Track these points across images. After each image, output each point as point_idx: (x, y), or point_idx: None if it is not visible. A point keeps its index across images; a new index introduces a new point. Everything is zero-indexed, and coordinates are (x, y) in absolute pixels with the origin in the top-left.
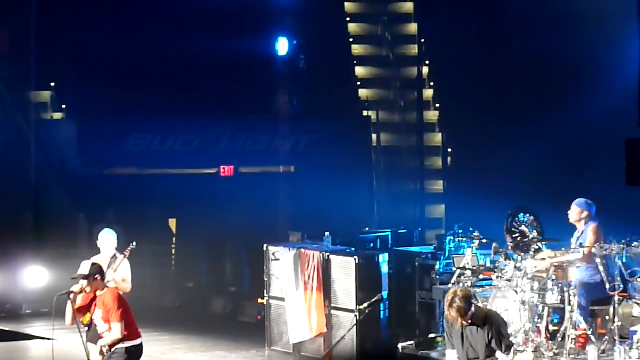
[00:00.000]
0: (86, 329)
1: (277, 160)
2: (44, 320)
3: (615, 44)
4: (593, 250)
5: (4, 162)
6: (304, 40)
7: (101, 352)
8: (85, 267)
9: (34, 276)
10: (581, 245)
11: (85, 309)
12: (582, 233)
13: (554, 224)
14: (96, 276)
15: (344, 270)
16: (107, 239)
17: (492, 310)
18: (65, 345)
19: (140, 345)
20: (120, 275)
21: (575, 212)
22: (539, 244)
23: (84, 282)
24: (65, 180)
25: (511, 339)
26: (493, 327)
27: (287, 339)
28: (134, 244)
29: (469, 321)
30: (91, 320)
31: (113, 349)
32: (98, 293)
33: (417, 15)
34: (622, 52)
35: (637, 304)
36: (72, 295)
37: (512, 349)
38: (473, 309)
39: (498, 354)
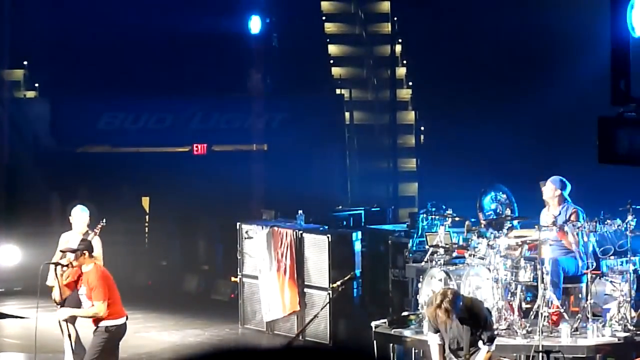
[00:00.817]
0: (58, 306)
1: (250, 139)
2: (17, 298)
3: (588, 21)
4: (565, 228)
5: None
6: (277, 19)
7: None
8: (65, 240)
9: (7, 254)
10: (554, 224)
11: (74, 284)
12: (559, 214)
13: (526, 202)
14: (84, 251)
15: (317, 248)
16: (79, 215)
17: (476, 300)
18: (39, 323)
19: (123, 325)
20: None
21: (550, 188)
22: (511, 221)
23: (71, 256)
24: (39, 158)
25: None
26: (478, 318)
27: (261, 317)
28: (104, 221)
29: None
30: (64, 298)
31: (95, 328)
32: (84, 269)
33: None
34: (596, 29)
35: (610, 281)
36: (58, 268)
37: (495, 341)
38: (456, 311)
39: (480, 344)
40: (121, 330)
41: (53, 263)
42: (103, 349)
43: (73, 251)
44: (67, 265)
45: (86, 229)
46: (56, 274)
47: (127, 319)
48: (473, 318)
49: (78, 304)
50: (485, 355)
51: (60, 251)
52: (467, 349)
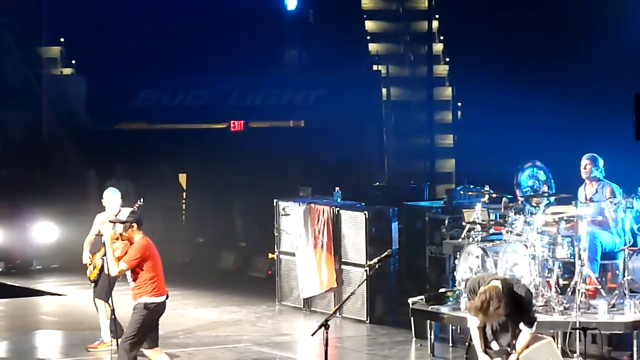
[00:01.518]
0: (92, 284)
1: (286, 115)
2: (54, 275)
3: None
4: (603, 205)
5: (14, 117)
6: None
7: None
8: (100, 221)
9: (44, 232)
10: (591, 200)
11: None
12: (595, 192)
13: (564, 179)
14: (133, 223)
15: (354, 225)
16: (111, 197)
17: (519, 281)
18: (76, 300)
19: (162, 304)
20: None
21: (589, 167)
22: (549, 198)
23: (120, 227)
24: (75, 135)
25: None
26: (521, 305)
27: (297, 294)
28: (142, 200)
29: None
30: (98, 275)
31: (135, 303)
32: (134, 240)
33: None
34: (634, 7)
35: None
36: (107, 237)
37: (535, 323)
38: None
39: (522, 326)
40: (160, 308)
41: (98, 235)
42: (142, 325)
43: (122, 222)
44: (117, 238)
45: (119, 209)
46: (105, 245)
47: (167, 297)
48: (516, 307)
49: (110, 284)
50: (527, 338)
51: (110, 221)
52: (512, 334)
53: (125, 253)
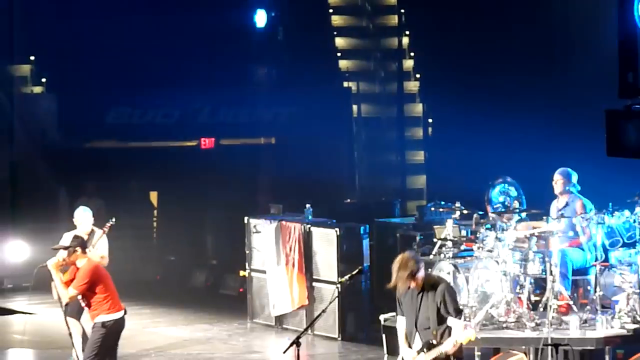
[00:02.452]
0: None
1: (257, 132)
2: (25, 294)
3: (597, 14)
4: (574, 220)
5: None
6: (282, 12)
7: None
8: (66, 239)
9: (15, 250)
10: (562, 216)
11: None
12: (566, 204)
13: (535, 194)
14: (76, 248)
15: (325, 242)
16: (83, 216)
17: (441, 277)
18: (47, 319)
19: (120, 320)
20: (98, 252)
21: (561, 182)
22: (520, 214)
23: (63, 254)
24: (46, 153)
25: (492, 309)
26: (442, 292)
27: (269, 312)
28: (113, 220)
29: (420, 287)
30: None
31: (92, 324)
32: (78, 264)
33: None
34: (605, 22)
35: (618, 273)
36: (51, 266)
37: (462, 313)
38: (422, 272)
39: (449, 320)
40: (118, 324)
41: (43, 266)
42: (101, 344)
43: (65, 248)
44: (61, 264)
45: (91, 228)
46: (51, 274)
47: (125, 313)
48: (438, 291)
49: (80, 306)
50: (461, 327)
51: (52, 248)
52: (434, 327)
53: (74, 278)
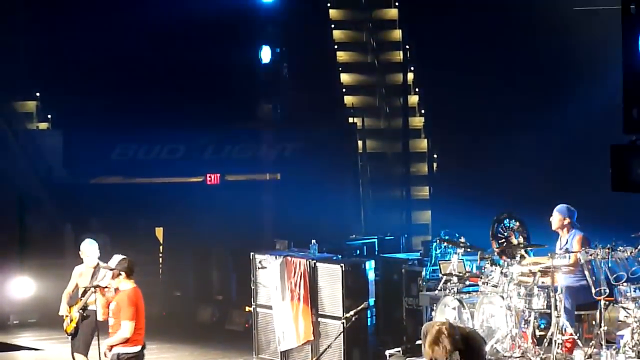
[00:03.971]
0: (69, 337)
1: (263, 168)
2: (31, 330)
3: (601, 48)
4: (578, 255)
5: None
6: (288, 48)
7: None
8: (78, 273)
9: (21, 286)
10: (567, 251)
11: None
12: (567, 242)
13: (540, 230)
14: (121, 271)
15: (331, 278)
16: (89, 249)
17: (472, 330)
18: (54, 355)
19: (137, 354)
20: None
21: (557, 219)
22: (525, 249)
23: (108, 277)
24: (51, 190)
25: (497, 345)
26: (475, 350)
27: (275, 347)
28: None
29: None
30: (75, 328)
31: (110, 355)
32: (121, 287)
33: (401, 21)
34: (609, 56)
35: (623, 308)
36: (97, 289)
37: None
38: (457, 339)
39: None
40: (136, 358)
41: (94, 286)
42: None
43: (111, 269)
44: (106, 287)
45: (97, 261)
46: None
47: (144, 347)
48: (469, 350)
49: (90, 333)
50: None
51: (101, 267)
52: None
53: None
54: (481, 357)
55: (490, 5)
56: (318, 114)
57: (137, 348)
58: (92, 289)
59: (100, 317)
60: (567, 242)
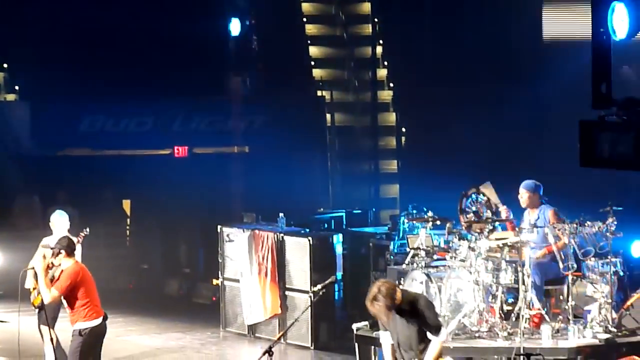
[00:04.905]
0: (36, 310)
1: (231, 141)
2: None
3: (572, 24)
4: (546, 230)
5: None
6: (257, 21)
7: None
8: (46, 244)
9: None
10: (535, 226)
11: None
12: (537, 217)
13: (508, 204)
14: (61, 250)
15: (298, 252)
16: (59, 220)
17: (419, 293)
18: (20, 327)
19: (99, 327)
20: None
21: (526, 196)
22: (493, 224)
23: (49, 255)
24: (19, 161)
25: (465, 319)
26: (422, 310)
27: (242, 321)
28: (87, 230)
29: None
30: (42, 302)
31: (71, 331)
32: (63, 266)
33: None
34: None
35: (591, 283)
36: (37, 268)
37: (442, 329)
38: (397, 300)
39: (429, 335)
40: (96, 331)
41: (30, 268)
42: (81, 351)
43: (51, 249)
44: (48, 266)
45: (67, 233)
46: (36, 277)
47: (105, 319)
48: (415, 310)
49: (57, 307)
50: (436, 347)
51: (41, 246)
52: (416, 346)
53: (58, 279)
54: (422, 317)
55: None
56: (287, 87)
57: (97, 321)
58: (32, 271)
59: (47, 300)
60: (537, 218)
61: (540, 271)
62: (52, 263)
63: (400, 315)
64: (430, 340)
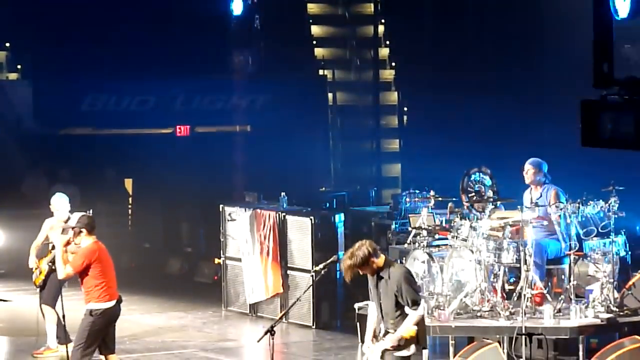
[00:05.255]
0: (38, 289)
1: (233, 120)
2: (1, 281)
3: (571, 3)
4: (548, 209)
5: None
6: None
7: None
8: (48, 226)
9: None
10: (537, 205)
11: None
12: (540, 195)
13: (510, 184)
14: (82, 229)
15: (300, 231)
16: (59, 202)
17: (401, 265)
18: (22, 306)
19: (111, 309)
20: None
21: (531, 172)
22: (495, 203)
23: (70, 234)
24: (21, 140)
25: (467, 298)
26: (399, 280)
27: (244, 300)
28: (91, 211)
29: (375, 273)
30: (44, 281)
31: (84, 310)
32: (83, 244)
33: None
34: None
35: (592, 262)
36: (58, 243)
37: (420, 304)
38: (375, 263)
39: (406, 309)
40: (108, 314)
41: (48, 243)
42: (90, 331)
43: (72, 228)
44: (68, 242)
45: (68, 215)
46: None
47: (119, 302)
48: (394, 281)
49: (59, 286)
50: (412, 320)
51: (63, 228)
52: (392, 315)
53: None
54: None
55: None
56: (289, 66)
57: (110, 303)
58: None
59: (60, 276)
60: (540, 196)
61: (542, 251)
62: (73, 241)
63: (380, 281)
64: (407, 314)
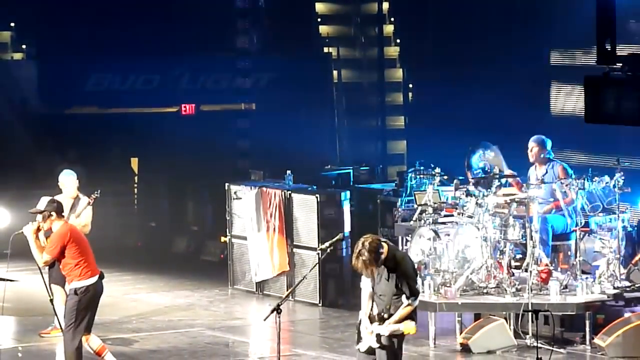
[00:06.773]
0: (47, 269)
1: (238, 98)
2: (6, 261)
3: None
4: (554, 186)
5: None
6: None
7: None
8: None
9: None
10: (543, 182)
11: None
12: (545, 172)
13: (516, 160)
14: (51, 212)
15: (306, 209)
16: (68, 180)
17: (404, 253)
18: (28, 286)
19: (94, 285)
20: (82, 221)
21: (536, 149)
22: (500, 180)
23: (39, 218)
24: (26, 120)
25: (473, 275)
26: (401, 271)
27: (250, 278)
28: (99, 192)
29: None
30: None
31: (67, 291)
32: (54, 228)
33: None
34: None
35: (599, 238)
36: (27, 232)
37: (418, 297)
38: (383, 254)
39: (404, 298)
40: (92, 290)
41: (20, 232)
42: (77, 310)
43: (40, 212)
44: (36, 230)
45: (76, 192)
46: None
47: (101, 277)
48: (397, 270)
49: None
50: (406, 310)
51: (29, 212)
52: (390, 299)
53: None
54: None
55: None
56: (293, 43)
57: (92, 280)
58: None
59: (40, 264)
60: (545, 173)
61: (548, 227)
62: (41, 226)
63: (383, 269)
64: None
